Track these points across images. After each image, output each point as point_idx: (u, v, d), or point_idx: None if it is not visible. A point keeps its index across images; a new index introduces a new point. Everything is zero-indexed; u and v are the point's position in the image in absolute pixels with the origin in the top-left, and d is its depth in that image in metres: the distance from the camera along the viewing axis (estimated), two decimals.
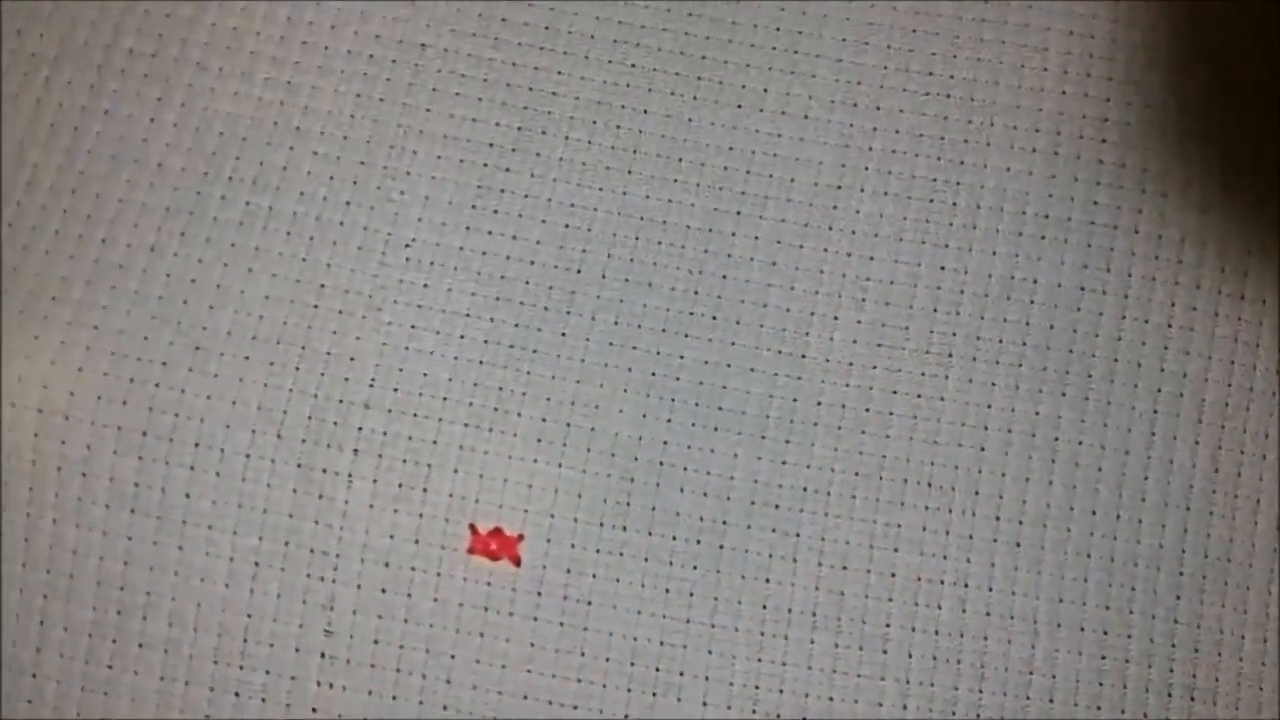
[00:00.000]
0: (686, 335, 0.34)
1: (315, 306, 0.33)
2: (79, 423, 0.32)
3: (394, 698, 0.31)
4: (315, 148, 0.35)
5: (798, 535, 0.33)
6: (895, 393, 0.34)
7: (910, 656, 0.32)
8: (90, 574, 0.32)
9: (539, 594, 0.32)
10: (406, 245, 0.34)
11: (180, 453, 0.32)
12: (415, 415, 0.33)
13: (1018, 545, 0.33)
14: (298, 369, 0.33)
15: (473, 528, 0.32)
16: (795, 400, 0.34)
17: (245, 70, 0.35)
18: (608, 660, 0.32)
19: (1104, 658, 0.33)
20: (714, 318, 0.34)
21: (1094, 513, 0.33)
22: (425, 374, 0.33)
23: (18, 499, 0.32)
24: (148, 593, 0.32)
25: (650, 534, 0.32)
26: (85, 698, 0.31)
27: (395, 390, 0.33)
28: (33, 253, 0.34)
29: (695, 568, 0.32)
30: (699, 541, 0.33)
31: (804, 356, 0.34)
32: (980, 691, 0.32)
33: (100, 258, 0.34)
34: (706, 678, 0.32)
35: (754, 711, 0.32)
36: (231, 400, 0.33)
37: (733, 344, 0.34)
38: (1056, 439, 0.34)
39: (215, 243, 0.34)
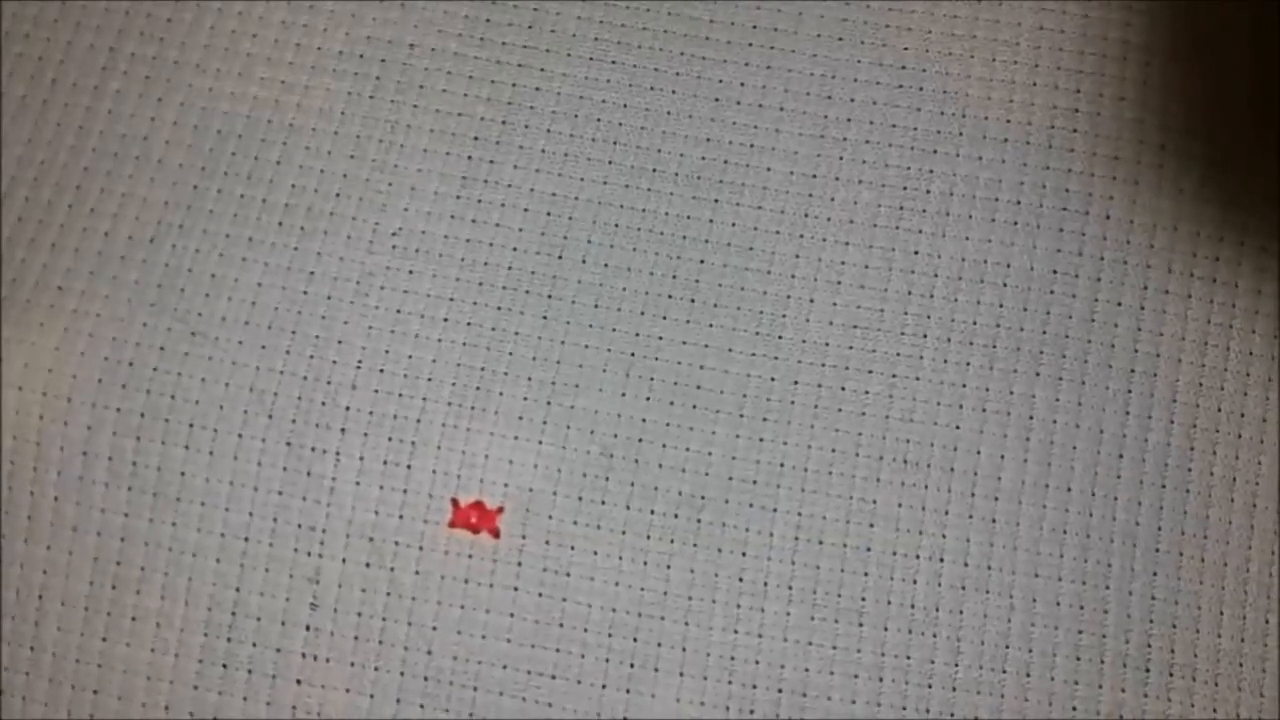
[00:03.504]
0: (665, 318, 0.35)
1: (305, 293, 0.35)
2: (81, 405, 0.34)
3: (376, 669, 0.32)
4: (307, 143, 0.36)
5: (774, 510, 0.33)
6: (871, 373, 0.35)
7: (886, 630, 0.33)
8: (88, 550, 0.33)
9: (518, 565, 0.33)
10: (393, 234, 0.35)
11: (176, 433, 0.34)
12: (400, 395, 0.34)
13: (993, 521, 0.34)
14: (288, 352, 0.34)
15: (454, 502, 0.33)
16: (772, 380, 0.34)
17: (242, 71, 0.37)
18: (586, 631, 0.32)
19: (1080, 633, 0.33)
20: (692, 301, 0.35)
21: (1069, 489, 0.34)
22: (410, 356, 0.34)
23: (22, 478, 0.33)
24: (142, 568, 0.33)
25: (628, 508, 0.33)
26: (80, 669, 0.32)
27: (381, 371, 0.34)
28: (38, 245, 0.35)
29: (673, 541, 0.33)
30: (676, 516, 0.33)
31: (780, 338, 0.35)
32: (956, 665, 0.33)
33: (102, 249, 0.35)
34: (683, 649, 0.32)
35: (730, 682, 0.32)
36: (225, 383, 0.34)
37: (710, 326, 0.35)
38: (1031, 418, 0.34)
39: (211, 234, 0.35)
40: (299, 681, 0.32)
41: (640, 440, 0.34)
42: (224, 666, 0.32)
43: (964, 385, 0.34)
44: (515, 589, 0.33)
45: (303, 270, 0.35)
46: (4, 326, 0.34)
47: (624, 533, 0.33)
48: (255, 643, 0.32)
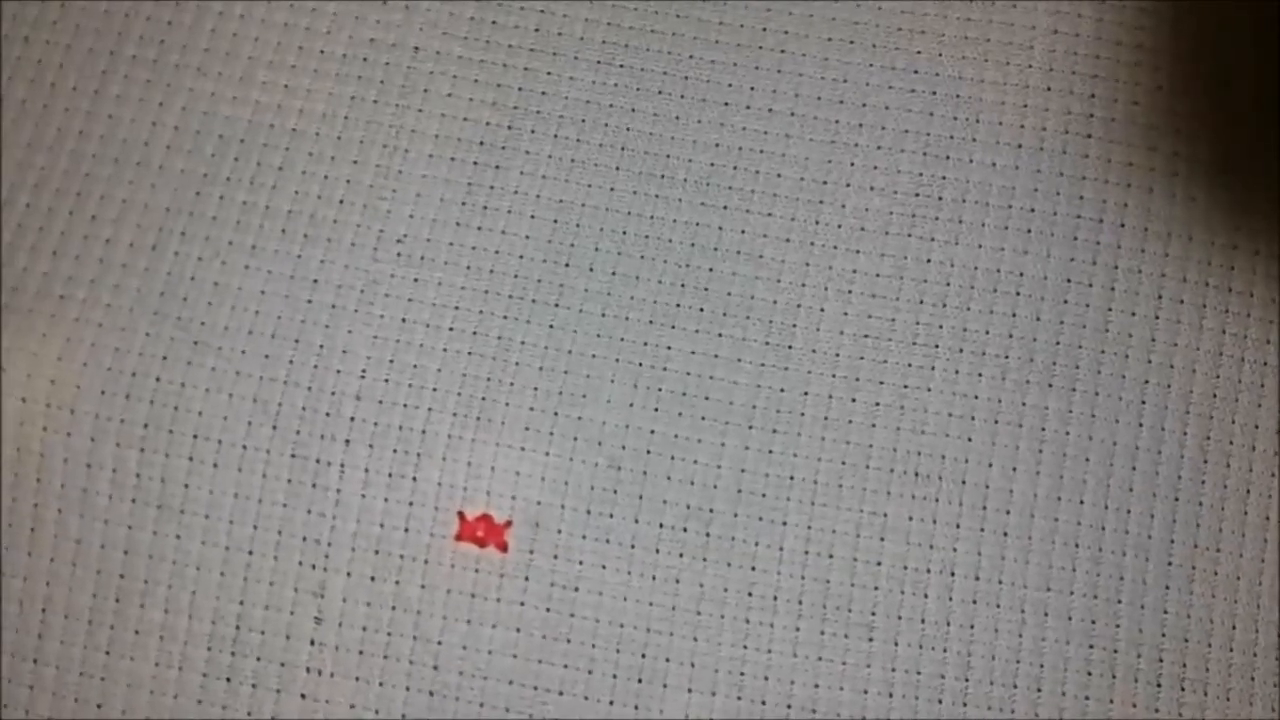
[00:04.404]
0: (673, 327, 0.34)
1: (309, 301, 0.34)
2: (83, 416, 0.33)
3: (381, 683, 0.32)
4: (310, 148, 0.36)
5: (784, 524, 0.33)
6: (882, 383, 0.34)
7: (896, 645, 0.33)
8: (91, 562, 0.33)
9: (526, 579, 0.32)
10: (398, 241, 0.35)
11: (179, 444, 0.33)
12: (405, 406, 0.33)
13: (1005, 534, 0.33)
14: (291, 362, 0.34)
15: (461, 515, 0.33)
16: (782, 391, 0.34)
17: (243, 74, 0.36)
18: (593, 646, 0.32)
19: (1091, 647, 0.33)
20: (701, 310, 0.34)
21: (1081, 502, 0.33)
22: (415, 365, 0.34)
23: (25, 489, 0.33)
24: (145, 580, 0.33)
25: (636, 521, 0.33)
26: (83, 682, 0.32)
27: (386, 381, 0.34)
28: (39, 253, 0.35)
29: (681, 555, 0.33)
30: (685, 529, 0.33)
31: (790, 348, 0.34)
32: (967, 680, 0.32)
33: (104, 257, 0.35)
34: (692, 664, 0.32)
35: (739, 698, 0.32)
36: (228, 393, 0.34)
37: (719, 336, 0.34)
38: (1043, 429, 0.34)
39: (213, 241, 0.35)
40: (303, 696, 0.32)
41: (648, 452, 0.33)
42: (228, 680, 0.32)
43: (976, 396, 0.34)
44: (522, 604, 0.32)
45: (306, 278, 0.34)
46: (5, 336, 0.34)
47: (632, 547, 0.33)
48: (260, 656, 0.32)
